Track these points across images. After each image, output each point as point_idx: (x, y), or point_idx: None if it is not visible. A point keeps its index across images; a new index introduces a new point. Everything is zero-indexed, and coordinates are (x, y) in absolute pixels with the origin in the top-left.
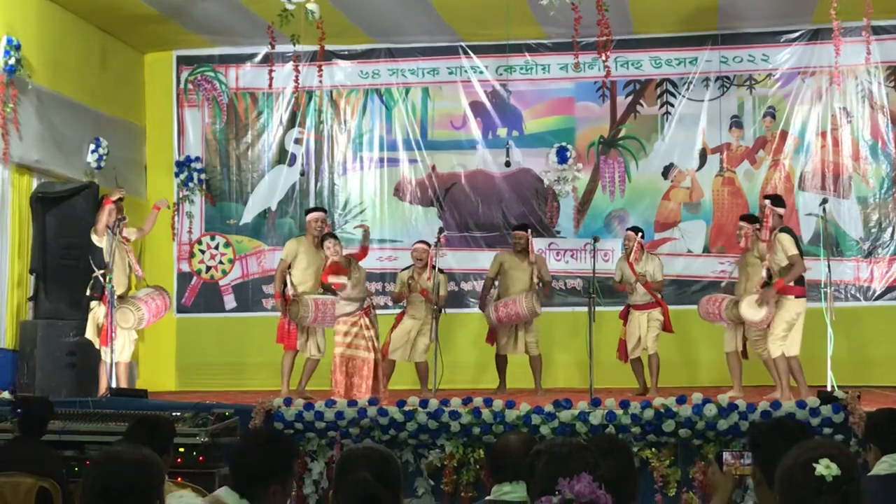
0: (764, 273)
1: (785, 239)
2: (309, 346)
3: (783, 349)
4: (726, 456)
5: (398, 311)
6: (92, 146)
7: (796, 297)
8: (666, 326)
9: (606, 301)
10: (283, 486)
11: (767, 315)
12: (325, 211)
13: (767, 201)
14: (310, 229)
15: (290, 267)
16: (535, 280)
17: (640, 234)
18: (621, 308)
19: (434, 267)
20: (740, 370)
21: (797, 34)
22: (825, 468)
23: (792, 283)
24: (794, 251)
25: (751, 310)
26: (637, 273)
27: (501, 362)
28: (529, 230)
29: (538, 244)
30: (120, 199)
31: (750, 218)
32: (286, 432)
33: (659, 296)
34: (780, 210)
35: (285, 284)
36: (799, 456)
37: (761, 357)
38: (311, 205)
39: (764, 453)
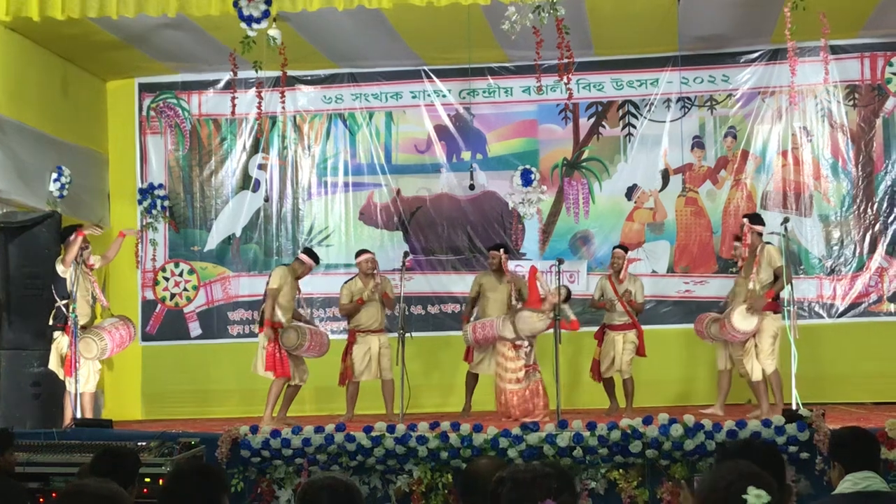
0: (753, 285)
1: (774, 251)
2: (297, 374)
3: (776, 364)
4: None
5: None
6: (54, 175)
7: (773, 312)
8: (640, 350)
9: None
10: None
11: (758, 324)
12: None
13: (746, 220)
14: (301, 267)
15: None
16: (515, 299)
17: (627, 252)
18: (594, 329)
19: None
20: (727, 389)
21: (756, 54)
22: (755, 497)
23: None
24: (780, 263)
25: (743, 319)
26: (618, 292)
27: (471, 381)
28: (502, 249)
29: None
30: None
31: (753, 217)
32: (253, 460)
33: (636, 317)
34: (759, 228)
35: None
36: (729, 485)
37: (744, 376)
38: (276, 230)
39: None
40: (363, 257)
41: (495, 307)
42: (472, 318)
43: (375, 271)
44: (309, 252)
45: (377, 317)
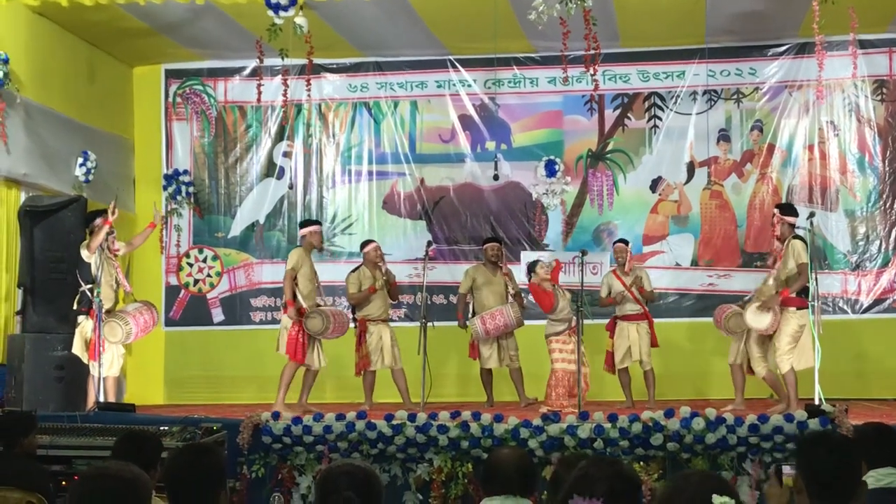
0: (771, 281)
1: (799, 245)
2: (315, 358)
3: (791, 362)
4: (786, 469)
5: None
6: (80, 160)
7: (797, 308)
8: (652, 340)
9: (595, 314)
10: (215, 499)
11: (773, 321)
12: (319, 223)
13: (777, 210)
14: (313, 241)
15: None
16: (511, 291)
17: (628, 245)
18: (607, 321)
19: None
20: (743, 382)
21: (784, 48)
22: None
23: (794, 295)
24: (804, 259)
25: (755, 317)
26: (626, 284)
27: (487, 377)
28: (501, 242)
29: (527, 257)
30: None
31: (784, 207)
32: (274, 446)
33: (647, 307)
34: (791, 219)
35: (294, 294)
36: (694, 494)
37: (758, 375)
38: (300, 218)
39: (808, 463)
40: (371, 246)
41: (494, 298)
42: (469, 315)
43: (381, 260)
44: (307, 221)
45: (384, 306)
